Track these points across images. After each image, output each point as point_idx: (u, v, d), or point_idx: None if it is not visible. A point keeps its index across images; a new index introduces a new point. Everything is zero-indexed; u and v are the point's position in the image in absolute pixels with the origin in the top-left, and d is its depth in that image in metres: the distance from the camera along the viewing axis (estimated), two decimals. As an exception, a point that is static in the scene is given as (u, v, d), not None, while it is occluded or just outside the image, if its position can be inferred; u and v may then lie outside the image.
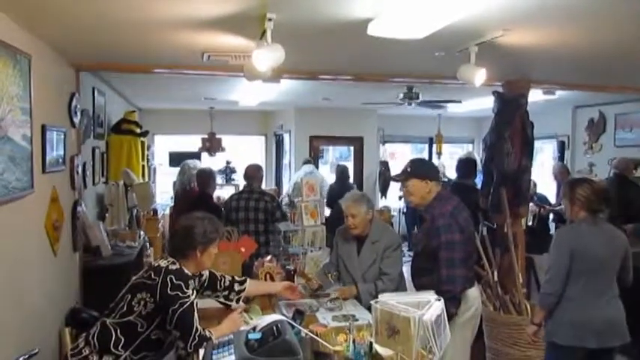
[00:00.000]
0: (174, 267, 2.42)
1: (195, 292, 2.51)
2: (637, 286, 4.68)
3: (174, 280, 2.35)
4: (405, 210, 9.18)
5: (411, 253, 4.13)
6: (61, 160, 3.72)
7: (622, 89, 5.54)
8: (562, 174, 6.99)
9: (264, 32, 2.75)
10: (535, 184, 7.85)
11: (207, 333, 2.44)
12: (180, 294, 2.35)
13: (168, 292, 2.34)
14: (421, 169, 3.09)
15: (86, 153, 4.85)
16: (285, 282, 3.25)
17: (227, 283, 2.91)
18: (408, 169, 3.09)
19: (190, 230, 2.55)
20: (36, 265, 3.24)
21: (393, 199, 9.20)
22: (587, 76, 4.90)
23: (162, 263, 2.44)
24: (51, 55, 3.59)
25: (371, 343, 2.39)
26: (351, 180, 8.26)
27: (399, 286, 3.37)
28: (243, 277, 3.03)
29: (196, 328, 2.38)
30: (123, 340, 2.35)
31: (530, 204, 6.59)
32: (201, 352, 2.35)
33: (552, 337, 3.06)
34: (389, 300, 2.20)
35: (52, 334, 3.48)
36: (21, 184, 2.86)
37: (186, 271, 2.45)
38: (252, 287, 3.02)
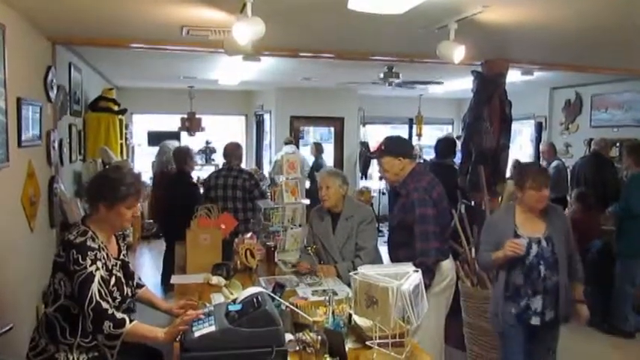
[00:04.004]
0: (79, 240, 2.17)
1: (100, 264, 2.18)
2: (606, 260, 4.82)
3: (74, 254, 2.13)
4: (385, 190, 9.25)
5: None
6: (37, 135, 3.66)
7: (598, 70, 5.62)
8: (549, 152, 7.20)
9: (244, 5, 2.72)
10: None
11: (119, 316, 2.11)
12: (77, 267, 2.11)
13: (71, 267, 2.12)
14: (394, 147, 3.18)
15: (62, 130, 4.77)
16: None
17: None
18: (382, 147, 3.19)
19: (102, 180, 2.31)
20: (12, 240, 3.19)
21: (374, 180, 9.26)
22: (564, 56, 4.96)
23: (71, 236, 2.20)
24: (26, 27, 3.50)
25: (350, 315, 2.43)
26: (331, 160, 9.46)
27: (375, 260, 3.42)
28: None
29: (90, 300, 2.07)
30: (68, 328, 2.17)
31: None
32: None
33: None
34: (368, 271, 2.24)
35: (28, 311, 3.46)
36: (-4, 157, 2.82)
37: (89, 242, 2.18)
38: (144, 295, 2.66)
